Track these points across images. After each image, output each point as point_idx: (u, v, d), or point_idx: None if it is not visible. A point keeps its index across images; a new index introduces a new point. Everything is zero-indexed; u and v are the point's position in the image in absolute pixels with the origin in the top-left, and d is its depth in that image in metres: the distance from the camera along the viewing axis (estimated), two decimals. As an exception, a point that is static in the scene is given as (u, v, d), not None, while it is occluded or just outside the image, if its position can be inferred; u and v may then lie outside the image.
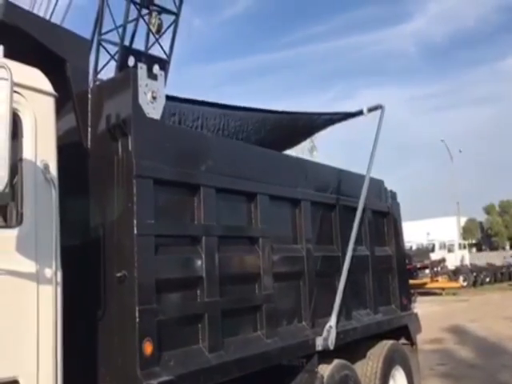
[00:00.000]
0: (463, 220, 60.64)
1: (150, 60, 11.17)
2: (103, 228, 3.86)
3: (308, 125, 7.33)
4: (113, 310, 3.75)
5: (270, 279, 4.82)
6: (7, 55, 3.28)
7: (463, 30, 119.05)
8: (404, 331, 7.23)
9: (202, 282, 4.14)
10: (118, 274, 3.67)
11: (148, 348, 3.61)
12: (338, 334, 5.34)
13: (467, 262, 38.16)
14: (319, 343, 5.18)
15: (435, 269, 30.84)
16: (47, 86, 3.43)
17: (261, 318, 4.70)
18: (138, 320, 3.57)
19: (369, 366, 6.25)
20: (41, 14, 10.52)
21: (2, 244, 3.00)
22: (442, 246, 38.69)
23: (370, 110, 6.71)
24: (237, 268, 4.64)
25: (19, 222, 3.13)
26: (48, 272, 3.17)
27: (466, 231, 61.87)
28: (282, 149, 6.89)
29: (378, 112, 6.62)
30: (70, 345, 3.28)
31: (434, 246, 38.18)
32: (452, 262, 35.13)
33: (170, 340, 3.86)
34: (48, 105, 3.41)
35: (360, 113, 6.84)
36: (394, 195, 7.70)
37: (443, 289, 29.39)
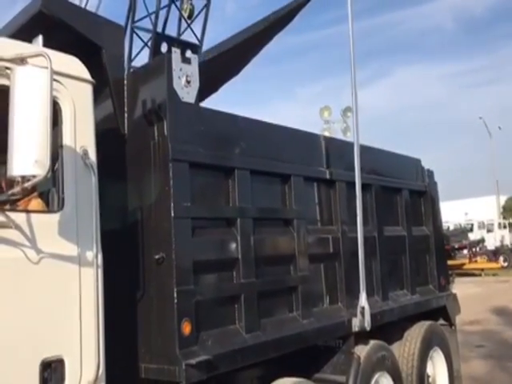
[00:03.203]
0: (503, 199, 59.21)
1: (183, 45, 11.23)
2: (141, 211, 3.94)
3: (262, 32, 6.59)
4: (152, 291, 3.84)
5: (305, 260, 4.85)
6: (46, 44, 3.36)
7: (503, 1, 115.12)
8: (442, 312, 7.17)
9: (238, 264, 4.20)
10: (157, 256, 3.76)
11: (186, 328, 3.69)
12: (374, 314, 5.33)
13: (508, 241, 37.37)
14: (355, 324, 5.18)
15: (474, 249, 30.38)
16: (85, 73, 3.50)
17: (296, 299, 4.74)
18: (176, 301, 3.65)
19: (406, 347, 6.24)
20: (76, 1, 10.69)
21: (44, 228, 3.10)
22: (481, 226, 37.99)
23: None
24: (272, 250, 4.67)
25: (61, 206, 3.23)
26: (89, 255, 3.26)
27: (506, 210, 60.39)
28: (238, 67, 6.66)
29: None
30: (111, 325, 3.38)
31: (472, 225, 37.53)
32: (491, 242, 34.50)
33: (208, 320, 3.94)
34: (86, 92, 3.48)
35: None
36: (431, 174, 7.59)
37: (482, 269, 28.92)
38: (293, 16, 6.70)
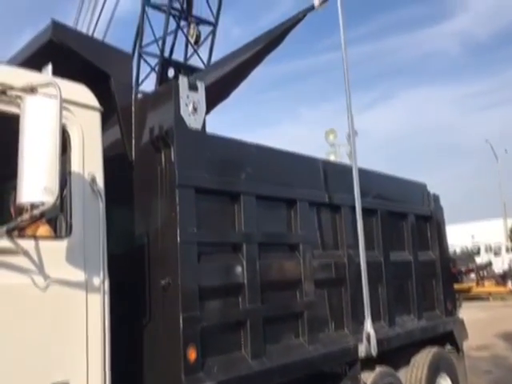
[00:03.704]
0: (510, 222, 58.82)
1: (190, 71, 11.38)
2: (147, 237, 3.97)
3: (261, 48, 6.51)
4: (158, 316, 3.85)
5: (311, 285, 4.85)
6: (55, 72, 3.43)
7: (509, 26, 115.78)
8: (449, 337, 7.11)
9: (244, 289, 4.21)
10: (163, 282, 3.77)
11: (192, 354, 3.69)
12: (380, 340, 5.31)
13: (516, 265, 37.03)
14: (362, 350, 5.16)
15: (481, 273, 30.11)
16: (93, 101, 3.57)
17: (302, 324, 4.73)
18: (182, 327, 3.66)
19: (413, 373, 6.18)
20: (84, 29, 10.89)
21: (52, 254, 3.14)
22: (488, 249, 37.71)
23: (323, 1, 5.73)
24: (278, 275, 4.68)
25: (68, 233, 3.27)
26: (96, 281, 3.29)
27: (513, 234, 60.01)
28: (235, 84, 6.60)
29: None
30: (117, 350, 3.39)
31: (479, 249, 37.27)
32: (499, 265, 34.19)
33: (213, 346, 3.93)
34: (94, 119, 3.54)
35: (311, 8, 5.92)
36: (436, 199, 7.59)
37: (490, 294, 28.62)
38: (283, 38, 6.52)
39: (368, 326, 5.10)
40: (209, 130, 4.23)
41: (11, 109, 3.07)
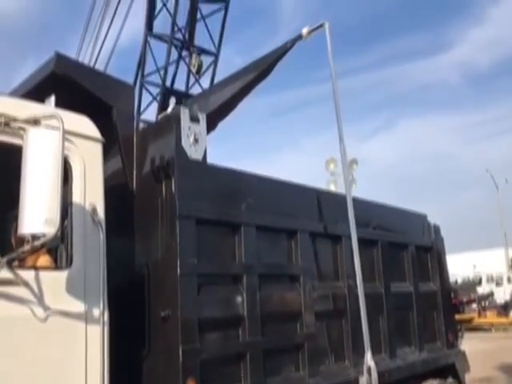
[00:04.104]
0: (512, 252, 58.62)
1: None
2: (147, 268, 3.96)
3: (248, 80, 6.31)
4: (157, 348, 3.82)
5: (311, 317, 4.81)
6: (58, 103, 3.47)
7: (509, 56, 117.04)
8: (451, 370, 7.02)
9: (244, 321, 4.18)
10: (162, 313, 3.75)
11: (191, 387, 3.64)
12: (381, 372, 5.24)
13: (517, 296, 36.77)
14: (363, 382, 5.07)
15: (483, 303, 29.88)
16: (95, 132, 3.60)
17: (303, 356, 4.68)
18: (181, 359, 3.62)
19: (415, 406, 6.09)
20: (86, 59, 11.03)
21: (52, 285, 3.13)
22: (490, 280, 37.51)
23: (311, 31, 5.63)
24: (278, 306, 4.65)
25: (69, 263, 3.27)
26: (96, 312, 3.27)
27: (514, 264, 59.75)
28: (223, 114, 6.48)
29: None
30: (116, 382, 3.35)
31: (480, 279, 37.08)
32: (501, 296, 33.97)
33: (213, 379, 3.89)
34: (96, 150, 3.57)
35: (299, 37, 5.78)
36: (437, 229, 7.59)
37: (492, 324, 28.34)
38: (272, 68, 6.30)
39: (368, 358, 5.05)
40: (209, 159, 4.26)
41: (14, 140, 3.10)
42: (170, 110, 4.82)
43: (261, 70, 6.22)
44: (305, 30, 5.56)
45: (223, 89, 6.48)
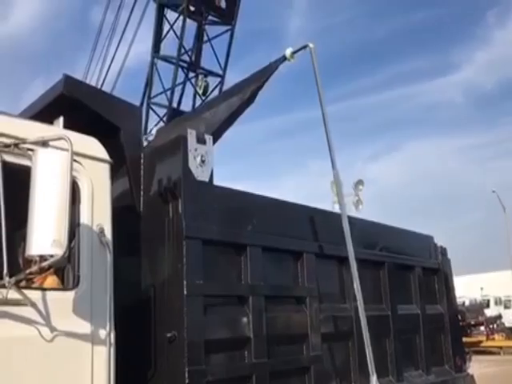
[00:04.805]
0: (519, 274, 58.04)
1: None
2: (154, 288, 3.96)
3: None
4: (163, 369, 3.80)
5: (318, 339, 4.78)
6: (66, 124, 3.51)
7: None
8: (460, 394, 6.95)
9: (250, 343, 4.16)
10: (169, 335, 3.74)
11: (197, 408, 3.62)
12: (389, 396, 5.19)
13: (526, 319, 36.31)
14: (370, 406, 5.03)
15: (491, 326, 29.55)
16: (103, 153, 3.63)
17: (309, 379, 4.64)
18: (187, 381, 3.60)
19: (422, 430, 6.01)
20: (93, 81, 11.16)
21: (59, 306, 3.13)
22: (498, 302, 37.12)
23: (295, 52, 5.42)
24: (284, 328, 4.62)
25: (76, 284, 3.27)
26: (102, 333, 3.27)
27: (523, 286, 59.06)
28: None
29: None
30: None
31: (488, 301, 36.69)
32: (509, 318, 33.59)
33: (219, 401, 3.86)
34: (104, 171, 3.60)
35: (283, 58, 5.51)
36: (444, 251, 7.55)
37: (501, 348, 27.98)
38: (258, 91, 5.87)
39: (374, 381, 4.99)
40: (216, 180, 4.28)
41: (23, 161, 3.12)
42: None
43: (246, 97, 6.00)
44: (288, 51, 5.40)
45: (206, 113, 6.23)
